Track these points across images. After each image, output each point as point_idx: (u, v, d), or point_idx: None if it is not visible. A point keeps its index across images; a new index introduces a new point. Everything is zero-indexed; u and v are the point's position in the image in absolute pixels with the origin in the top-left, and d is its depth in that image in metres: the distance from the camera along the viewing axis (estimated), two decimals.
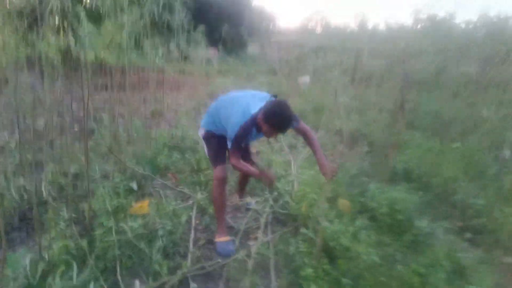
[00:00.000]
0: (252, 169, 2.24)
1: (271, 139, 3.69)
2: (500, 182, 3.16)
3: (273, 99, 2.14)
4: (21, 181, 2.59)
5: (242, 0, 16.65)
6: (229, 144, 2.13)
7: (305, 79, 8.71)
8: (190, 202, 2.73)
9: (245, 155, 2.53)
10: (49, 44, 3.21)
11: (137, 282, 1.73)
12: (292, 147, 4.25)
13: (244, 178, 2.81)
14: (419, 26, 12.04)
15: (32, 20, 3.27)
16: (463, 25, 8.75)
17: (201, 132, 2.44)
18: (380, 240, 2.22)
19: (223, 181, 2.26)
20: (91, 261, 1.78)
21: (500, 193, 3.00)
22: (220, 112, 2.28)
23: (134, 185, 2.79)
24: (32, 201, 2.41)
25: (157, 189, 2.88)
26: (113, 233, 1.99)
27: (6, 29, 3.10)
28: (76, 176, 2.80)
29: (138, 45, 4.13)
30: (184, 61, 7.83)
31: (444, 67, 7.83)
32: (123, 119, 4.21)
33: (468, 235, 2.56)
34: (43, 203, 2.33)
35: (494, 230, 2.58)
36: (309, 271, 1.78)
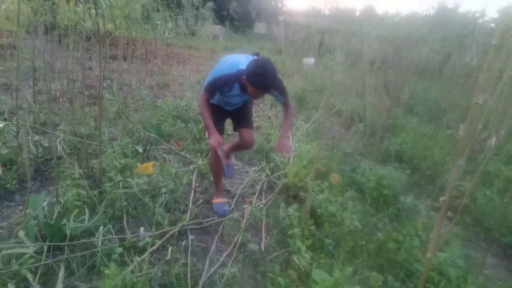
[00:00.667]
0: (208, 118, 2.13)
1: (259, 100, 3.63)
2: (486, 167, 3.31)
3: (256, 56, 2.06)
4: (36, 137, 2.76)
5: None
6: (204, 86, 2.16)
7: (310, 60, 8.73)
8: (191, 167, 2.89)
9: (241, 122, 2.49)
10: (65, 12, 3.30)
11: (141, 229, 1.92)
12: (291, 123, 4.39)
13: (233, 148, 2.74)
14: (423, 13, 11.87)
15: None
16: (469, 15, 8.65)
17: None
18: (365, 210, 2.40)
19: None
20: (100, 209, 1.96)
21: (485, 177, 3.16)
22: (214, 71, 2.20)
23: (140, 148, 2.95)
24: (46, 156, 2.60)
25: (161, 153, 3.04)
26: (121, 187, 2.17)
27: None
28: (87, 136, 2.96)
29: (148, 18, 4.21)
30: (191, 36, 7.86)
31: (448, 55, 7.84)
32: (130, 88, 4.33)
33: (449, 213, 2.73)
34: (57, 158, 2.50)
35: (474, 210, 2.76)
36: (295, 230, 1.95)
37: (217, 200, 2.44)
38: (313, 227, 2.03)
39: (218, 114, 2.33)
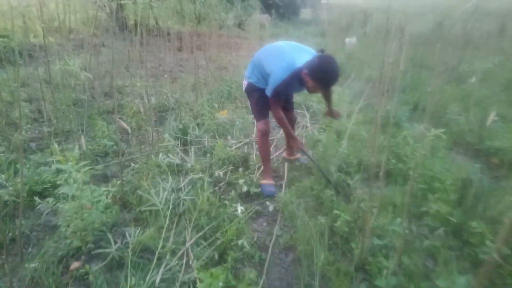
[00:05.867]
0: (288, 126, 2.50)
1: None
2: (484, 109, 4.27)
3: (320, 53, 2.16)
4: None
5: None
6: (267, 92, 2.33)
7: (351, 40, 9.76)
8: None
9: (287, 105, 2.77)
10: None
11: (229, 137, 3.39)
12: None
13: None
14: None
15: None
16: None
17: (244, 84, 2.63)
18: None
19: (265, 133, 2.57)
20: (203, 128, 3.47)
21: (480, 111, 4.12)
22: (263, 61, 2.39)
23: (215, 104, 4.44)
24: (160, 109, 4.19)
25: (230, 107, 4.52)
26: (212, 119, 3.67)
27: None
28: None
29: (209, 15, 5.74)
30: (241, 27, 9.37)
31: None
32: (201, 70, 5.90)
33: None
34: (168, 110, 4.09)
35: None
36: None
37: (264, 181, 2.65)
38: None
39: (266, 99, 2.44)
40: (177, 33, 6.63)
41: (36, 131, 3.34)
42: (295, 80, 2.22)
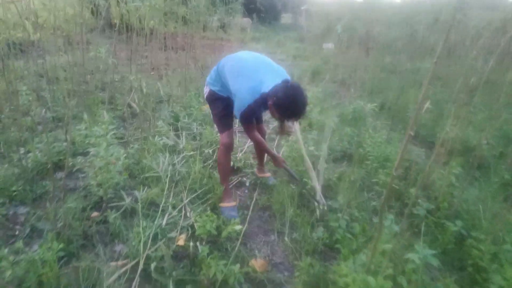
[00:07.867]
0: (267, 147, 2.46)
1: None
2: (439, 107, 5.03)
3: (286, 82, 1.99)
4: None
5: None
6: (236, 114, 2.20)
7: (329, 45, 10.52)
8: None
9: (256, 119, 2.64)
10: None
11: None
12: None
13: (261, 150, 2.86)
14: None
15: None
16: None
17: (205, 91, 2.48)
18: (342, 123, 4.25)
19: (229, 147, 2.42)
20: (192, 117, 3.99)
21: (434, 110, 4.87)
22: (228, 74, 2.22)
23: (201, 99, 4.97)
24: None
25: None
26: (197, 111, 4.20)
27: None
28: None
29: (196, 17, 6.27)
30: (223, 29, 9.92)
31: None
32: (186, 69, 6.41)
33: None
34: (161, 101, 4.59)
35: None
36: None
37: (224, 204, 2.50)
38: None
39: (229, 109, 2.35)
40: (163, 33, 7.11)
41: (41, 116, 3.77)
42: (261, 105, 2.13)
